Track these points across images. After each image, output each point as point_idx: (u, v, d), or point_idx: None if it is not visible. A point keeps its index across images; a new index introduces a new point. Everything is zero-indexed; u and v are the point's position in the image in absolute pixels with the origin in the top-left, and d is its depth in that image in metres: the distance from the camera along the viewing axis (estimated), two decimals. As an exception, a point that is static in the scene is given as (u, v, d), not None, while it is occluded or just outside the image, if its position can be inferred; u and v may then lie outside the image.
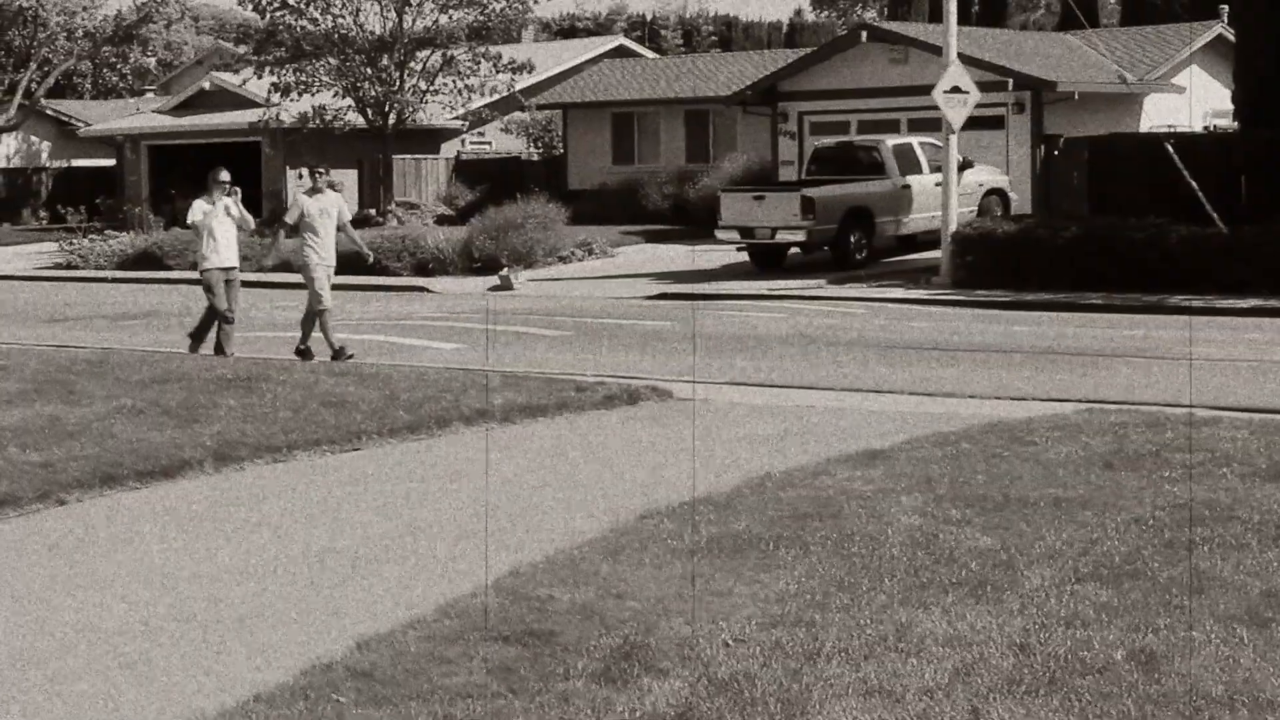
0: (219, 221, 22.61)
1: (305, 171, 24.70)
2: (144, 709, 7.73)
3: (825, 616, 8.61)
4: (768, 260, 38.43)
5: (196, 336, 23.13)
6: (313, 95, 51.98)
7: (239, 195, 22.94)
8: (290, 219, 22.91)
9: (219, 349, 22.42)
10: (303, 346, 22.47)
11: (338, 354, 21.91)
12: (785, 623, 8.51)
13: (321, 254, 22.38)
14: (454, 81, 51.94)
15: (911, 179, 38.61)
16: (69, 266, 49.08)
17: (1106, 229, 32.32)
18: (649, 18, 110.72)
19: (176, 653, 8.59)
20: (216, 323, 22.76)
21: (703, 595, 9.14)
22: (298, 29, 51.94)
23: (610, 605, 8.97)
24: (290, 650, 8.50)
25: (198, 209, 22.71)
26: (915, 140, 39.96)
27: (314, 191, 22.77)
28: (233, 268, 22.88)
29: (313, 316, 22.52)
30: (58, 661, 8.50)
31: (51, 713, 7.75)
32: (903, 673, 7.70)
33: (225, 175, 22.84)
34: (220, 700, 7.72)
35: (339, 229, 22.68)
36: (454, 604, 9.11)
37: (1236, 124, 37.08)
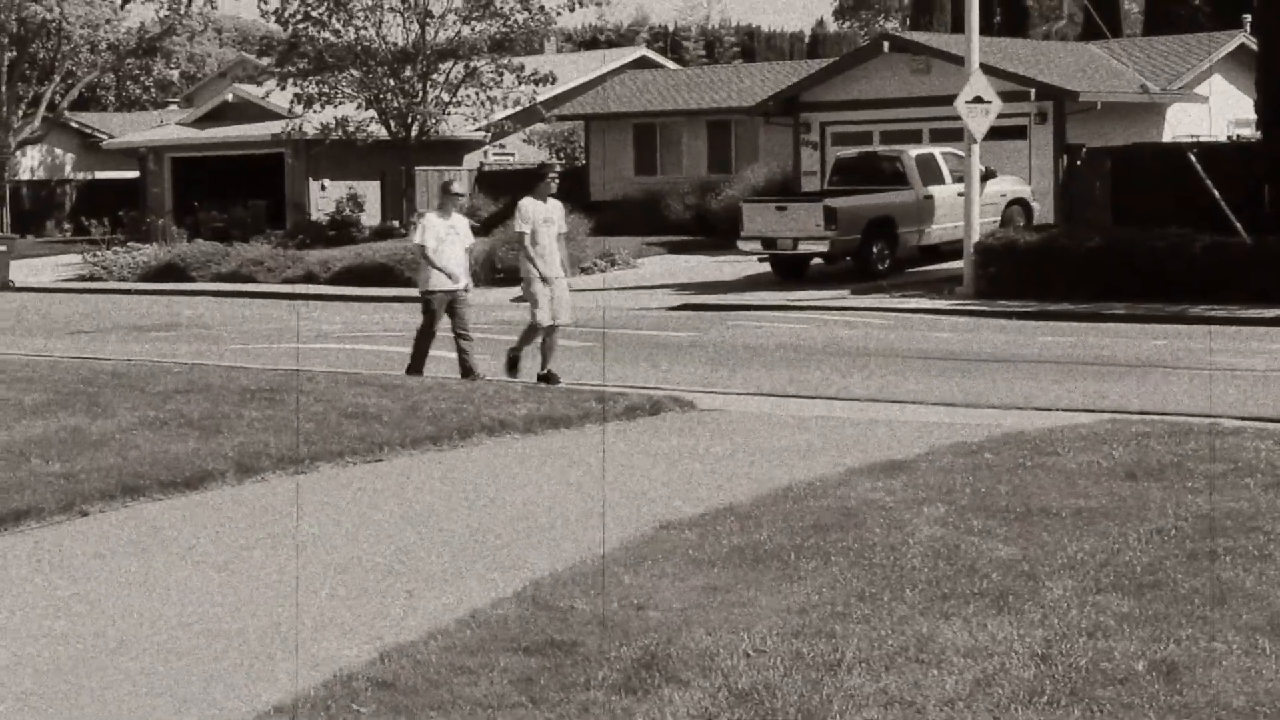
0: (450, 239, 20.73)
1: (542, 170, 21.49)
2: (166, 720, 7.75)
3: (846, 627, 8.60)
4: (790, 271, 38.41)
5: (416, 359, 21.03)
6: (335, 107, 52.09)
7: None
8: (524, 228, 20.48)
9: (467, 371, 20.49)
10: (543, 371, 20.45)
11: (544, 377, 20.28)
12: (806, 633, 8.50)
13: (543, 266, 20.42)
14: (476, 93, 52.01)
15: (934, 189, 38.60)
16: (92, 278, 49.26)
17: (1129, 239, 32.29)
18: (671, 29, 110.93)
19: (196, 665, 8.60)
20: (430, 345, 20.88)
21: (724, 606, 9.13)
22: (320, 41, 52.07)
23: (631, 615, 8.97)
24: (312, 661, 8.51)
25: (431, 228, 20.70)
26: (938, 150, 39.94)
27: (543, 197, 20.74)
28: (461, 288, 20.80)
29: (537, 332, 20.64)
30: (79, 676, 8.51)
31: (73, 723, 7.77)
32: (924, 683, 7.69)
33: (459, 187, 21.26)
34: (241, 713, 7.73)
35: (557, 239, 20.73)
36: (475, 614, 9.11)
37: (1259, 133, 37.01)
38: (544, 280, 20.39)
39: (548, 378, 20.11)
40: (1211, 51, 46.98)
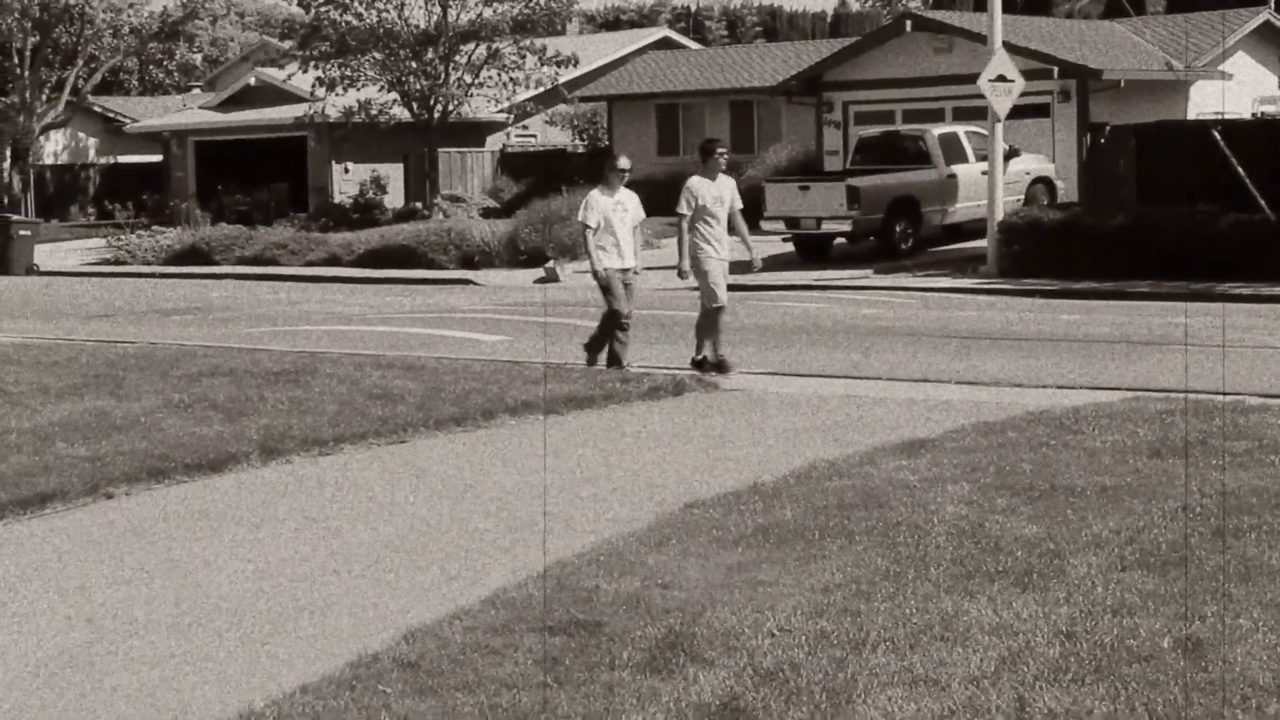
0: (619, 216, 19.38)
1: (702, 150, 19.86)
2: (192, 701, 7.77)
3: (871, 606, 8.60)
4: (813, 251, 38.36)
5: (593, 347, 19.77)
6: (358, 90, 52.08)
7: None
8: (686, 209, 19.19)
9: (614, 359, 19.36)
10: (698, 357, 19.48)
11: (716, 364, 19.26)
12: (830, 612, 8.51)
13: (714, 246, 19.23)
14: (498, 75, 51.98)
15: (957, 168, 38.50)
16: (116, 262, 49.35)
17: (1153, 217, 32.21)
18: (693, 8, 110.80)
19: (223, 645, 8.63)
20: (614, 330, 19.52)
21: (748, 585, 9.13)
22: (342, 24, 52.05)
23: (656, 595, 8.98)
24: (338, 641, 8.53)
25: (596, 206, 19.31)
26: (961, 129, 39.84)
27: (712, 174, 19.41)
28: (630, 269, 19.41)
29: (709, 317, 19.47)
30: (109, 653, 8.55)
31: (102, 703, 7.79)
32: (948, 661, 7.68)
33: (625, 163, 19.72)
34: (267, 691, 7.75)
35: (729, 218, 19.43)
36: (499, 594, 9.13)
37: (1284, 110, 36.88)
38: (717, 261, 19.23)
39: (719, 365, 19.15)
40: (1235, 29, 46.83)
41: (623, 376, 18.18)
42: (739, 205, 19.50)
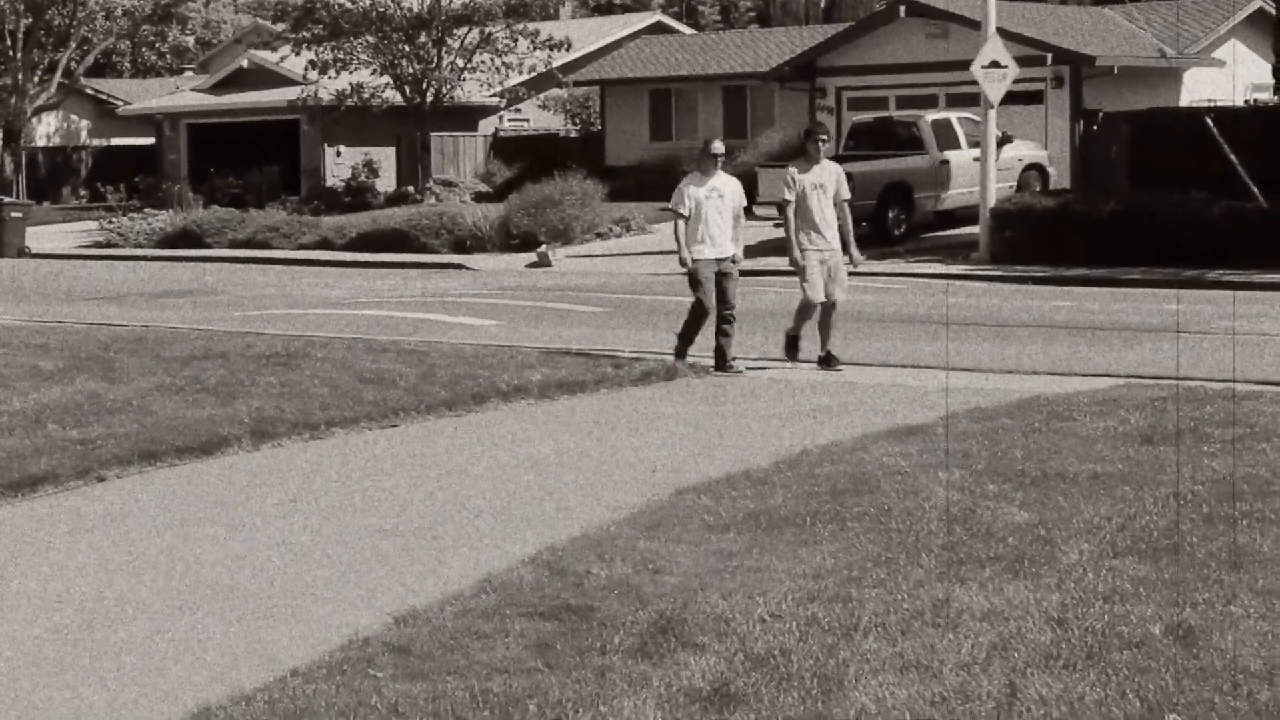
0: (713, 203, 18.40)
1: (813, 134, 18.74)
2: (183, 683, 7.76)
3: (862, 592, 8.60)
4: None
5: (684, 337, 18.79)
6: (350, 73, 52.06)
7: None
8: (788, 195, 18.38)
9: (720, 358, 18.30)
10: (823, 353, 18.49)
11: (823, 359, 18.47)
12: (822, 598, 8.50)
13: (813, 237, 18.38)
14: (491, 59, 51.94)
15: (950, 154, 38.50)
16: (109, 245, 49.29)
17: (1146, 204, 32.21)
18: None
19: (215, 628, 8.63)
20: (714, 323, 18.53)
21: (739, 570, 9.13)
22: (335, 6, 52.03)
23: (647, 580, 8.97)
24: (328, 626, 8.53)
25: (688, 193, 18.35)
26: (954, 115, 39.83)
27: (811, 162, 18.54)
28: (727, 258, 18.46)
29: (805, 309, 18.63)
30: (100, 636, 8.54)
31: (92, 686, 7.78)
32: (940, 648, 7.68)
33: (718, 147, 18.65)
34: (258, 675, 7.74)
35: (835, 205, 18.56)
36: (491, 579, 9.12)
37: (1277, 97, 36.88)
38: (816, 252, 18.32)
39: (826, 360, 18.38)
40: (1229, 15, 46.82)
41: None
42: (846, 195, 18.65)
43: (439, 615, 8.45)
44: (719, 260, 18.40)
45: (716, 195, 18.36)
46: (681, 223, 18.43)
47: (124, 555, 10.25)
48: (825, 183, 18.33)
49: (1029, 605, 8.28)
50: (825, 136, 18.69)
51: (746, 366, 18.50)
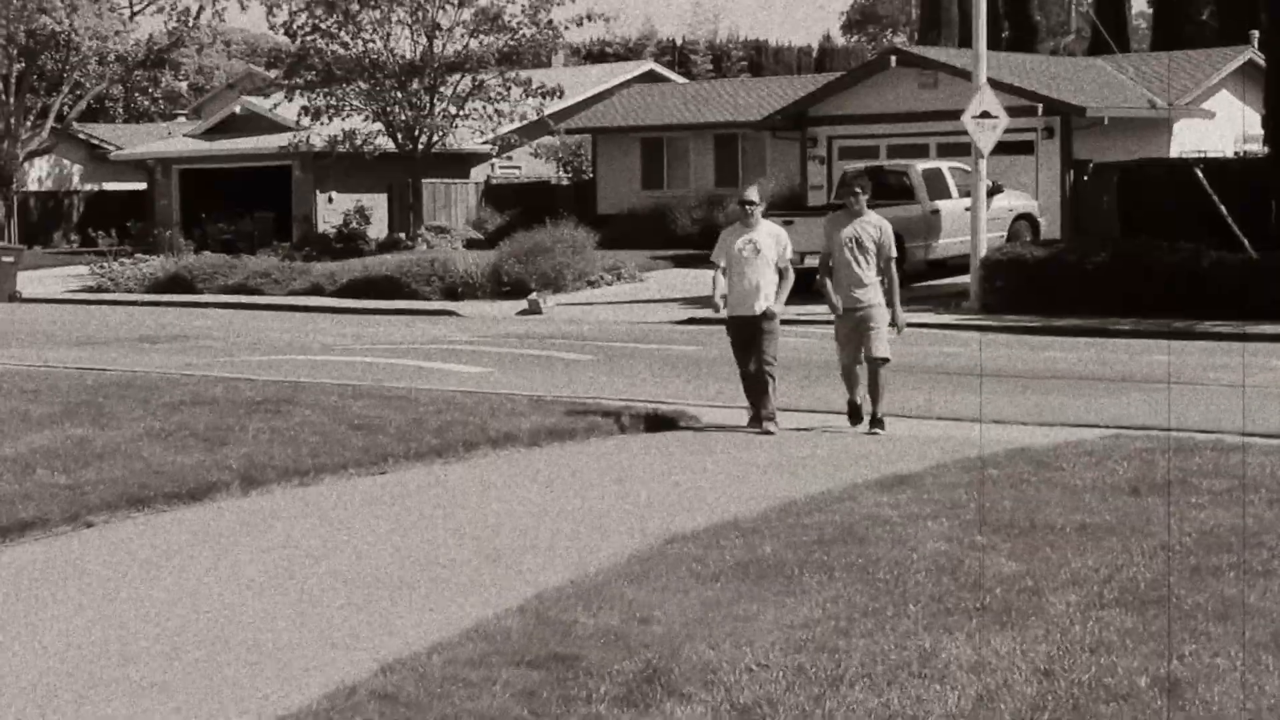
0: (746, 254, 17.59)
1: (849, 185, 17.99)
2: (168, 731, 7.75)
3: (849, 642, 8.60)
4: (797, 285, 38.26)
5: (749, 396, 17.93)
6: (343, 119, 52.16)
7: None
8: (823, 248, 17.86)
9: (755, 413, 17.57)
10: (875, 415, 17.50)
11: (872, 421, 17.48)
12: (809, 648, 8.50)
13: (839, 297, 17.70)
14: (483, 106, 52.03)
15: (941, 204, 38.57)
16: (100, 289, 49.26)
17: (1136, 254, 32.27)
18: (678, 42, 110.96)
19: (201, 675, 8.61)
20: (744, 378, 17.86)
21: (727, 620, 9.13)
22: (328, 53, 52.14)
23: (634, 629, 8.97)
24: (314, 673, 8.51)
25: (721, 245, 17.88)
26: (945, 165, 39.91)
27: (850, 214, 17.71)
28: (754, 317, 17.59)
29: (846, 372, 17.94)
30: (82, 686, 8.52)
31: (76, 735, 7.77)
32: (926, 698, 7.68)
33: (753, 194, 17.85)
34: (244, 723, 7.74)
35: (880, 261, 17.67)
36: (478, 627, 9.12)
37: (1266, 149, 36.99)
38: (845, 311, 17.66)
39: (874, 422, 17.40)
40: (1219, 67, 46.99)
41: (603, 410, 18.07)
42: (893, 254, 17.67)
43: (426, 663, 8.44)
44: (746, 319, 17.66)
45: (752, 248, 17.57)
46: (718, 272, 17.98)
47: (111, 602, 10.23)
48: (863, 235, 17.45)
49: (1015, 657, 8.28)
50: (861, 188, 17.67)
51: (787, 428, 17.61)
